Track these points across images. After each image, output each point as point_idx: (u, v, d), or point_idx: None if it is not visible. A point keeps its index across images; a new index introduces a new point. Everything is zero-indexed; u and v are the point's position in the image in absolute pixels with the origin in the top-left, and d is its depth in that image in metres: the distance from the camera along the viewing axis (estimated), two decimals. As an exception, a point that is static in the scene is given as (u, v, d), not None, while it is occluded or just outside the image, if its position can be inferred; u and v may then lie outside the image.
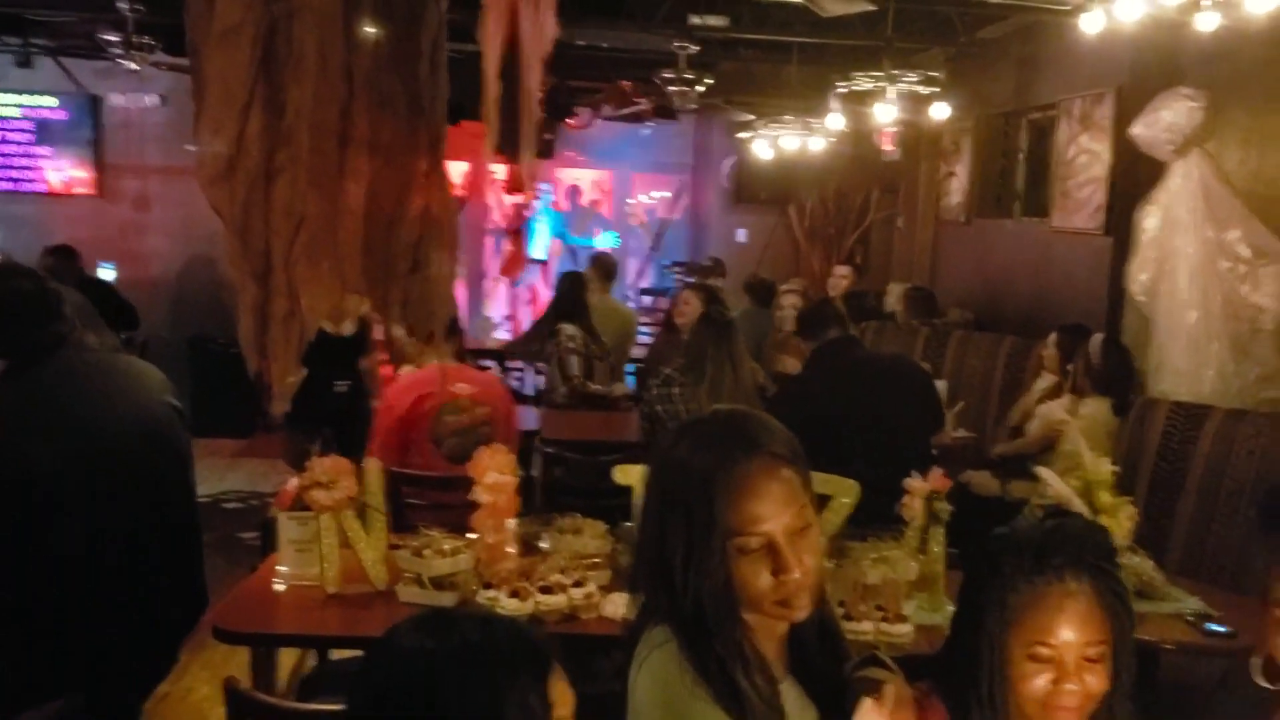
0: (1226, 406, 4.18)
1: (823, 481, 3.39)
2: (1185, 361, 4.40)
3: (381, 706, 1.37)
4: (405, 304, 3.88)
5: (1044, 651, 1.59)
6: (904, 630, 2.90)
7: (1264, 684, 1.72)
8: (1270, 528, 1.74)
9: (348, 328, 5.78)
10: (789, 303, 7.08)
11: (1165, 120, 4.76)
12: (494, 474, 3.12)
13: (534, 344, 6.71)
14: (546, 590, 2.91)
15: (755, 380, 5.09)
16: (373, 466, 3.16)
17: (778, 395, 4.90)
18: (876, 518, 3.43)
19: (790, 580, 1.71)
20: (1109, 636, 1.60)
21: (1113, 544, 1.68)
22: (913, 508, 3.29)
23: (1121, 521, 3.25)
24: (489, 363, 7.51)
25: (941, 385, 5.53)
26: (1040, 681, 1.60)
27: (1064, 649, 1.59)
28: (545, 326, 6.55)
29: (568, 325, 6.30)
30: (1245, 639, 1.90)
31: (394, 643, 1.40)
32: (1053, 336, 5.33)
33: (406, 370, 4.59)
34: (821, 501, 3.31)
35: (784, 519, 1.70)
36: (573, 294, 6.58)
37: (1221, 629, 3.05)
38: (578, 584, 2.96)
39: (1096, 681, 1.60)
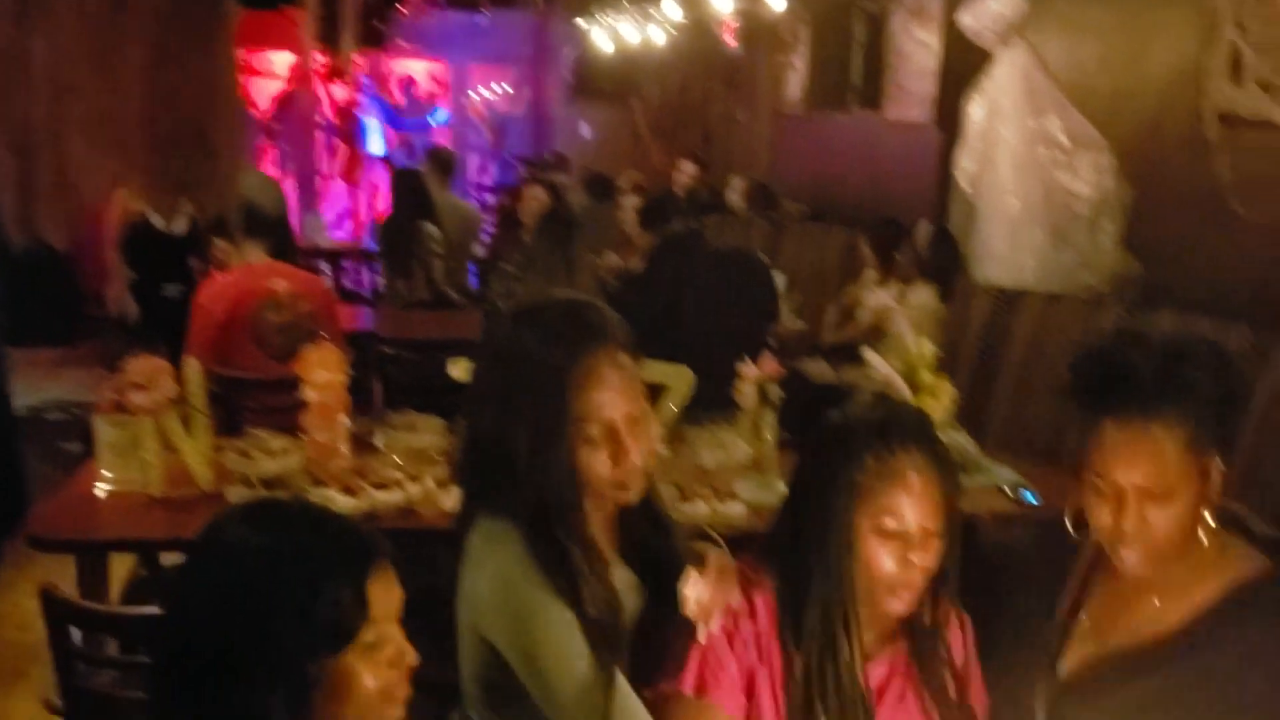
0: (1044, 291, 4.36)
1: (659, 370, 3.45)
2: (1006, 248, 4.56)
3: (198, 601, 1.34)
4: (192, 185, 3.66)
5: (891, 525, 1.64)
6: (737, 510, 2.97)
7: (1073, 533, 1.81)
8: (1079, 392, 1.79)
9: (180, 224, 5.49)
10: (629, 204, 7.05)
11: (992, 9, 4.85)
12: (322, 371, 3.05)
13: (394, 243, 6.50)
14: (381, 487, 2.88)
15: (595, 276, 5.08)
16: (191, 365, 3.05)
17: (621, 288, 4.91)
18: (713, 405, 3.50)
19: (629, 465, 1.73)
20: (944, 512, 1.65)
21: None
22: (745, 393, 3.36)
23: (942, 399, 3.37)
24: (322, 263, 7.29)
25: (779, 277, 5.63)
26: (887, 555, 1.65)
27: (909, 523, 1.64)
28: (401, 226, 6.35)
29: (431, 226, 6.14)
30: (1058, 505, 2.02)
31: (216, 535, 1.37)
32: (861, 238, 5.47)
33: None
34: (658, 389, 3.42)
35: (625, 406, 1.73)
36: (419, 192, 6.40)
37: (1035, 499, 3.22)
38: (415, 480, 2.93)
39: (933, 557, 1.66)
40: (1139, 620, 1.80)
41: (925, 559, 1.66)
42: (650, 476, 1.88)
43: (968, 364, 4.36)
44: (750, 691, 1.71)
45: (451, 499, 2.90)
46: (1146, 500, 1.68)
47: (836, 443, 1.70)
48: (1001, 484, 3.34)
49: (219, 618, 1.30)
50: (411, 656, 1.39)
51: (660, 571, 1.85)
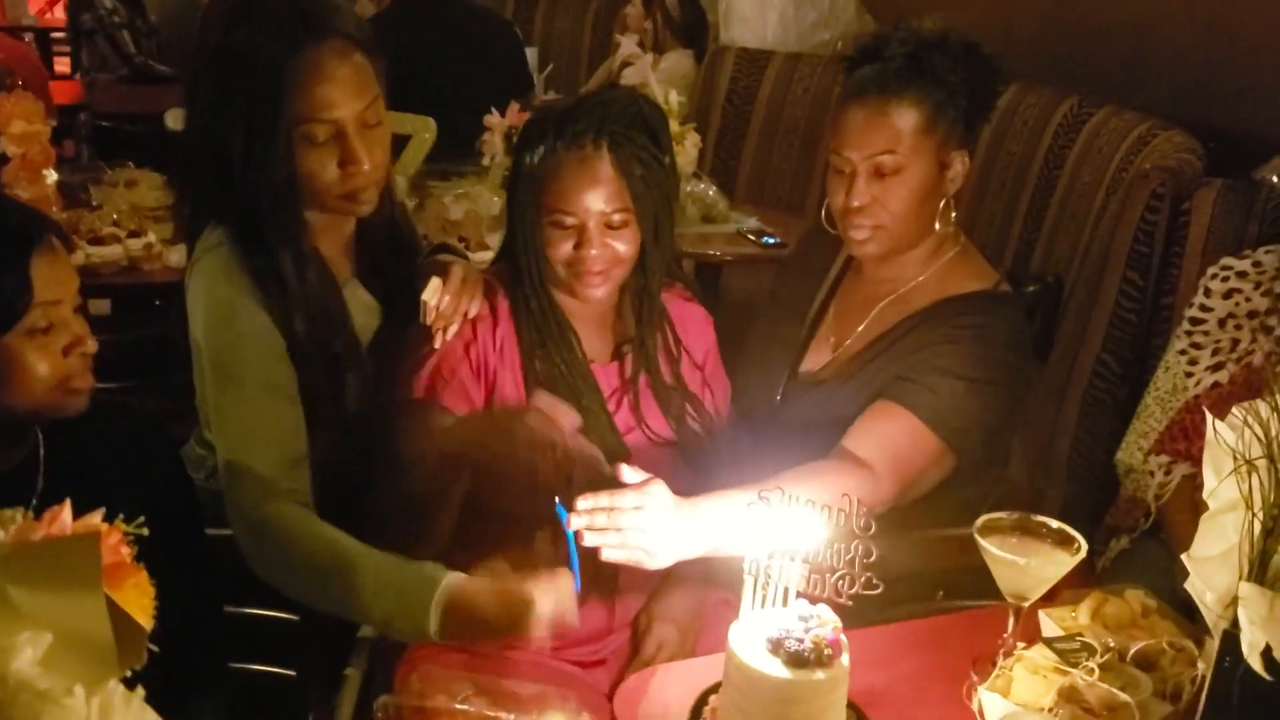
0: (786, 50, 4.41)
1: (400, 120, 3.32)
2: (751, 9, 4.55)
3: None
4: None
5: (564, 218, 1.62)
6: (485, 256, 2.93)
7: (829, 228, 1.88)
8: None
9: None
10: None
11: None
12: (20, 123, 2.78)
13: (73, 15, 5.96)
14: (98, 242, 2.68)
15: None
16: None
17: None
18: (461, 158, 3.43)
19: (359, 172, 1.64)
20: (629, 203, 1.62)
21: (652, 117, 1.67)
22: (493, 144, 3.29)
23: (687, 149, 3.42)
24: (27, 39, 6.62)
25: (531, 53, 5.46)
26: (565, 247, 1.63)
27: (582, 214, 1.61)
28: None
29: None
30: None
31: None
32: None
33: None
34: (402, 141, 3.30)
35: (355, 106, 1.62)
36: None
37: (774, 240, 3.34)
38: (134, 234, 2.75)
39: (622, 246, 1.64)
40: (870, 322, 1.90)
41: (607, 252, 1.63)
42: (389, 194, 1.82)
43: (716, 124, 4.39)
44: (490, 398, 1.70)
45: (178, 255, 2.75)
46: (875, 176, 1.76)
47: (524, 134, 1.67)
48: (745, 230, 3.44)
49: None
50: (90, 344, 1.33)
51: (402, 291, 1.80)
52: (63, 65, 7.21)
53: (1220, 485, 1.20)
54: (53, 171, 2.88)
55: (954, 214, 1.85)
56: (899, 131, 1.74)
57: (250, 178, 1.63)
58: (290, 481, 1.61)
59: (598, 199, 1.61)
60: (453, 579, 1.45)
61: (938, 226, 1.84)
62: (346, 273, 1.83)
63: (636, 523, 1.44)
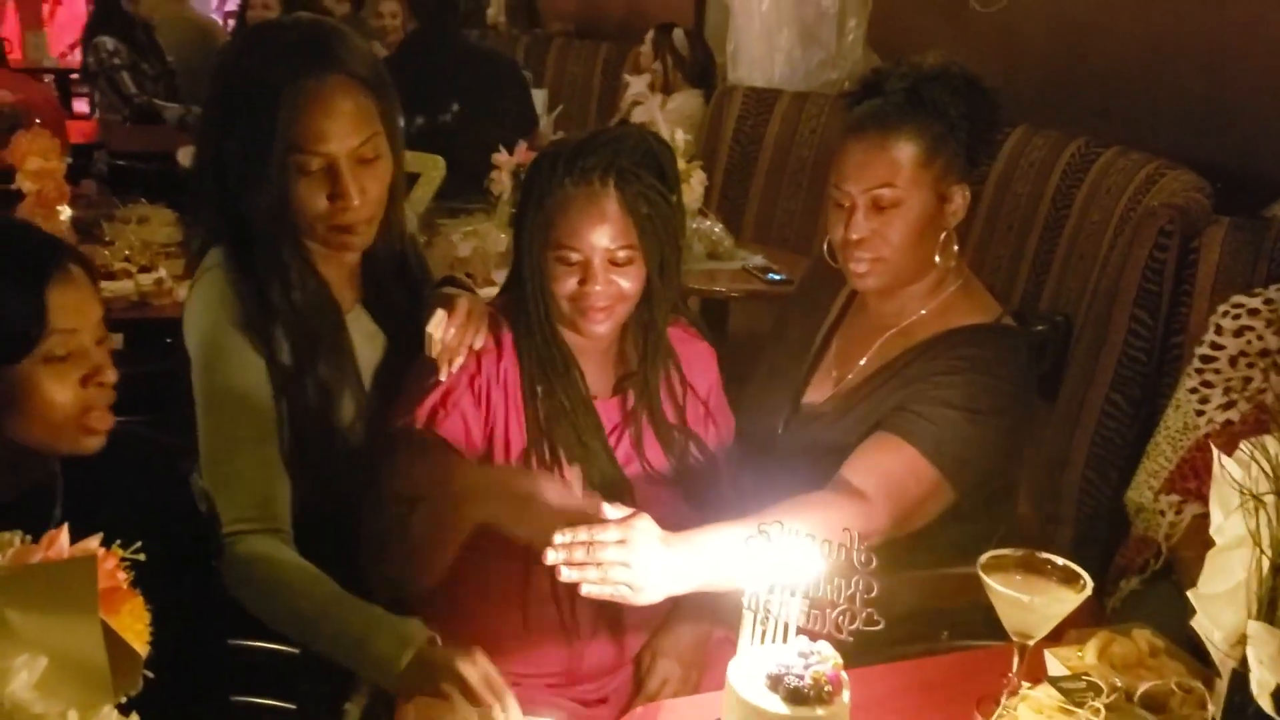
0: (793, 90, 4.44)
1: (410, 159, 3.35)
2: (759, 49, 4.59)
3: None
4: None
5: (569, 254, 1.62)
6: (491, 292, 2.94)
7: (831, 262, 1.89)
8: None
9: None
10: (388, 10, 6.73)
11: None
12: (36, 159, 2.81)
13: (84, 60, 6.06)
14: (110, 277, 2.71)
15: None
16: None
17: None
18: (469, 196, 3.46)
19: (349, 207, 1.65)
20: (636, 240, 1.62)
21: (661, 154, 1.68)
22: (501, 181, 3.32)
23: (693, 186, 3.44)
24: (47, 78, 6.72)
25: (540, 94, 5.52)
26: (570, 283, 1.63)
27: (588, 250, 1.61)
28: (85, 41, 5.95)
29: (106, 39, 5.72)
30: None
31: None
32: (650, 34, 5.41)
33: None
34: (411, 179, 3.33)
35: (350, 142, 1.64)
36: (106, 4, 5.96)
37: (780, 277, 3.34)
38: (145, 270, 2.77)
39: (627, 283, 1.64)
40: (872, 355, 1.90)
41: (611, 289, 1.63)
42: (396, 229, 1.83)
43: (723, 164, 4.42)
44: (491, 431, 1.69)
45: (187, 290, 2.77)
46: (874, 209, 1.77)
47: (534, 170, 1.67)
48: (752, 268, 3.45)
49: None
50: (109, 374, 1.31)
51: (407, 323, 1.81)
52: (82, 105, 7.33)
53: (1227, 521, 1.19)
54: (67, 208, 2.91)
55: (956, 248, 1.85)
56: (897, 164, 1.75)
57: (245, 200, 1.65)
58: (265, 520, 1.64)
59: (603, 235, 1.61)
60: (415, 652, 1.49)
61: (938, 260, 1.84)
62: (350, 301, 1.84)
63: (619, 557, 1.41)
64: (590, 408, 1.71)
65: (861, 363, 1.90)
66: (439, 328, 1.70)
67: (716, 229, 3.52)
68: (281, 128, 1.59)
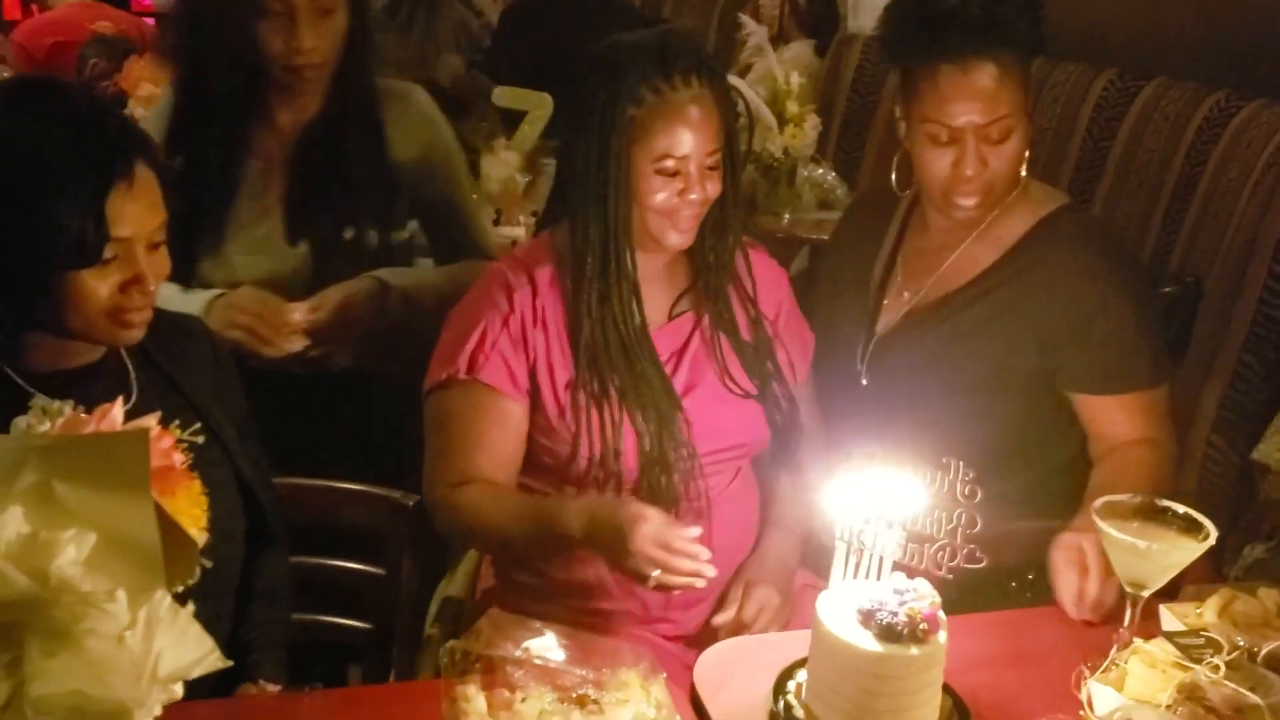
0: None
1: (518, 96, 3.33)
2: (881, -3, 4.45)
3: None
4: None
5: (670, 164, 1.54)
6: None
7: (898, 192, 1.88)
8: (902, 42, 1.78)
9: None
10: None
11: None
12: (148, 86, 2.85)
13: None
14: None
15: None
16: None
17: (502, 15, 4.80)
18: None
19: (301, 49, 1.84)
20: (722, 143, 1.56)
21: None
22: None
23: (806, 131, 3.34)
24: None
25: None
26: (668, 193, 1.55)
27: (689, 157, 1.54)
28: None
29: None
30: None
31: None
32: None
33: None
34: (519, 116, 3.30)
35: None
36: None
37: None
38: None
39: (713, 187, 1.58)
40: (950, 270, 1.83)
41: (705, 192, 1.56)
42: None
43: (841, 112, 4.28)
44: (535, 369, 1.62)
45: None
46: (984, 142, 1.69)
47: (610, 74, 1.54)
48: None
49: None
50: (149, 284, 1.26)
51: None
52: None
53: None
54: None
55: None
56: (1004, 94, 1.68)
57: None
58: None
59: (705, 139, 1.54)
60: None
61: (1024, 172, 1.78)
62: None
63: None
64: (645, 334, 1.63)
65: (936, 276, 1.84)
66: None
67: (829, 177, 3.41)
68: None
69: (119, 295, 1.26)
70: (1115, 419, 1.76)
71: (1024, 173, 1.77)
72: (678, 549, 1.39)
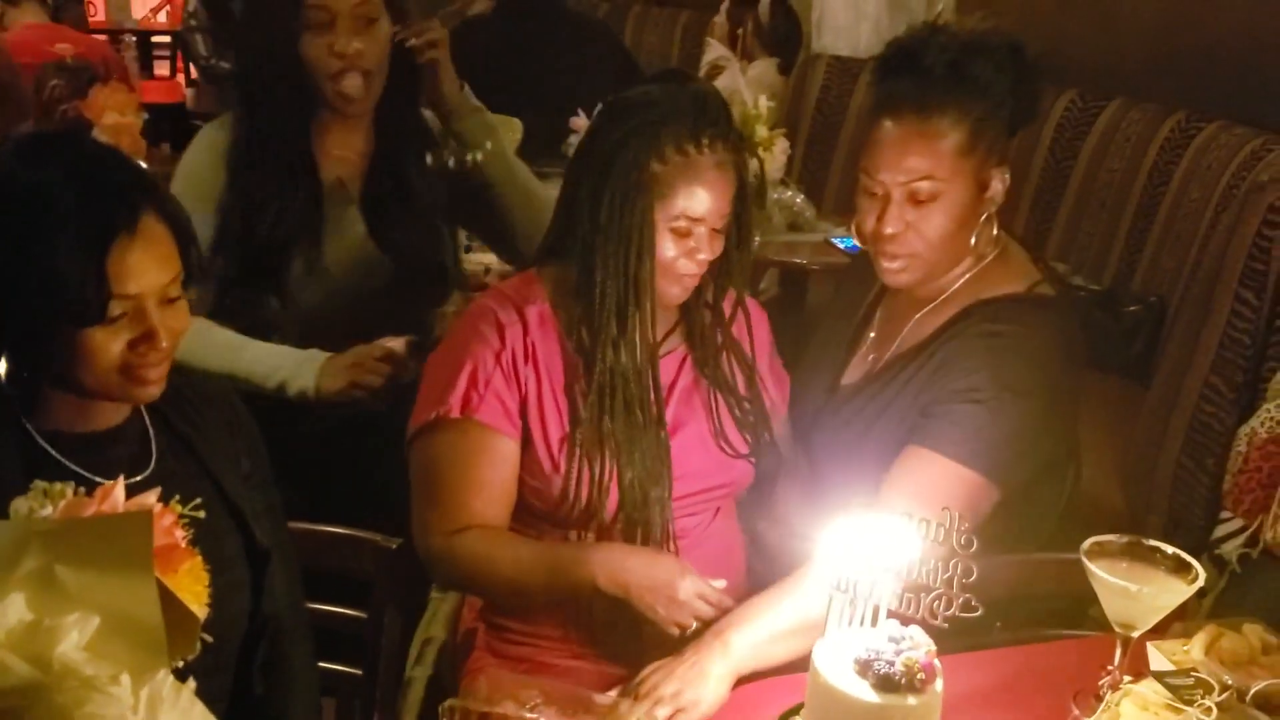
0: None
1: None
2: (844, 17, 4.48)
3: None
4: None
5: (684, 224, 1.53)
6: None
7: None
8: (875, 88, 1.71)
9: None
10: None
11: None
12: (113, 114, 2.81)
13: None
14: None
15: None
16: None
17: (457, 29, 4.73)
18: (546, 159, 3.40)
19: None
20: (732, 205, 1.55)
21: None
22: (575, 145, 3.25)
23: (776, 155, 3.34)
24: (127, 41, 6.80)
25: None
26: (678, 251, 1.55)
27: (704, 220, 1.53)
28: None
29: None
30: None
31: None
32: (725, 4, 5.30)
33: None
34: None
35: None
36: None
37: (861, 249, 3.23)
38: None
39: (719, 248, 1.58)
40: (906, 334, 1.76)
41: (712, 252, 1.57)
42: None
43: (806, 133, 4.32)
44: (525, 408, 1.60)
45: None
46: (911, 202, 1.59)
47: (643, 131, 1.52)
48: (833, 240, 3.34)
49: None
50: (160, 343, 1.21)
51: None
52: (163, 69, 7.41)
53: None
54: (143, 164, 2.90)
55: (995, 229, 1.69)
56: (938, 154, 1.57)
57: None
58: None
59: (721, 203, 1.54)
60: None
61: (974, 243, 1.68)
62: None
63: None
64: (654, 390, 1.62)
65: (896, 343, 1.76)
66: None
67: (798, 200, 3.42)
68: None
69: (129, 353, 1.20)
70: (903, 474, 1.59)
71: (974, 242, 1.66)
72: (714, 601, 1.47)
